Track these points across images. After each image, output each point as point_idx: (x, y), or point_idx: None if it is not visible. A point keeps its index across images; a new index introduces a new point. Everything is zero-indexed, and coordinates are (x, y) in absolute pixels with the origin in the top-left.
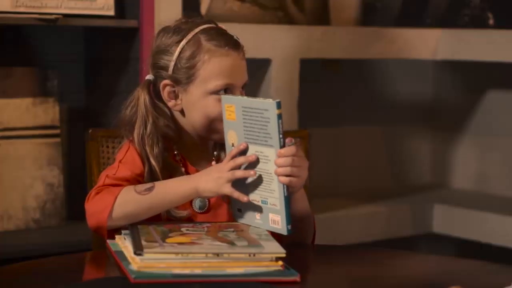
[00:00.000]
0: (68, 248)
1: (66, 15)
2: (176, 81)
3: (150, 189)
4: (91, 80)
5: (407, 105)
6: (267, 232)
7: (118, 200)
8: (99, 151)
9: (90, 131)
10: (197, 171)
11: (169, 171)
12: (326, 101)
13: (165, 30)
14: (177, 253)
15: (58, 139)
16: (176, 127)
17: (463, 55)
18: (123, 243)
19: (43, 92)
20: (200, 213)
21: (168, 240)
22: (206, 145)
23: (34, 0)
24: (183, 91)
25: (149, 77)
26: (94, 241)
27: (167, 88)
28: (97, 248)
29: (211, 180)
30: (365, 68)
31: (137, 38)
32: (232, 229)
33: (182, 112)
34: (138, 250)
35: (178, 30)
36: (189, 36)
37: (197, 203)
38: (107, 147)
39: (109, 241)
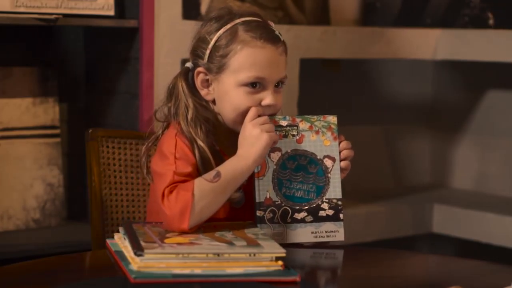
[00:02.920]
0: (68, 248)
1: (66, 15)
2: (209, 70)
3: (218, 175)
4: (91, 80)
5: (407, 105)
6: (263, 232)
7: (196, 194)
8: (99, 151)
9: (90, 131)
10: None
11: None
12: (326, 101)
13: (209, 18)
14: (177, 254)
15: (58, 139)
16: (212, 114)
17: (462, 55)
18: (123, 243)
19: (43, 92)
20: (237, 207)
21: (166, 241)
22: (235, 136)
23: (34, 0)
24: (215, 80)
25: (188, 64)
26: (94, 241)
27: (201, 76)
28: (97, 248)
29: (257, 140)
30: (365, 68)
31: (137, 38)
32: (228, 229)
33: (213, 101)
34: (139, 250)
35: (219, 19)
36: (228, 25)
37: (234, 195)
38: (107, 147)
39: (109, 241)
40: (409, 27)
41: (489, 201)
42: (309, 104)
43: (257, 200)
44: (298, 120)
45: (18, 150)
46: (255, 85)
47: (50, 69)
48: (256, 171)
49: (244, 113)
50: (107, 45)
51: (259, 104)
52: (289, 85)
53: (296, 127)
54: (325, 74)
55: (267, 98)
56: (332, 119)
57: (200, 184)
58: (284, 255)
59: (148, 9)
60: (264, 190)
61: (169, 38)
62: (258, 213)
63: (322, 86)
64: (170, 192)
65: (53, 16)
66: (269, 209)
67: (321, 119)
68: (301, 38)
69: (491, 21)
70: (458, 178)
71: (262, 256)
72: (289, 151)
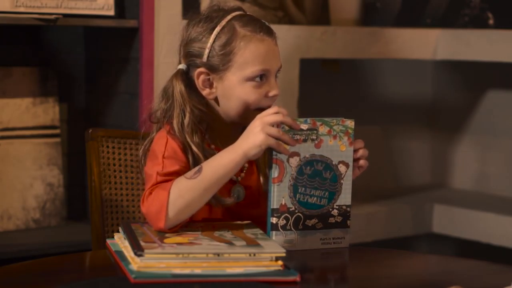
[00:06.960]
0: (68, 248)
1: (66, 15)
2: (211, 69)
3: (199, 171)
4: (91, 80)
5: (407, 105)
6: (262, 232)
7: (173, 193)
8: (99, 151)
9: (90, 131)
10: None
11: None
12: (326, 101)
13: (195, 19)
14: (177, 254)
15: (58, 139)
16: (210, 115)
17: (462, 55)
18: (123, 243)
19: (43, 92)
20: (238, 202)
21: (166, 241)
22: (236, 133)
23: (34, 0)
24: (219, 79)
25: (182, 66)
26: (94, 241)
27: (202, 76)
28: (97, 248)
29: (253, 135)
30: (364, 68)
31: (137, 38)
32: (226, 229)
33: (215, 100)
34: (139, 250)
35: (209, 18)
36: (223, 22)
37: (235, 193)
38: (107, 147)
39: (109, 241)
40: (409, 27)
41: (489, 201)
42: (309, 104)
43: (272, 207)
44: (318, 123)
45: (18, 150)
46: (261, 78)
47: (50, 69)
48: (273, 176)
49: (251, 107)
50: (107, 45)
51: (265, 95)
52: (289, 85)
53: (315, 131)
54: (325, 74)
55: (273, 89)
56: (350, 123)
57: (178, 183)
58: (284, 255)
59: (148, 9)
60: (280, 196)
61: (169, 38)
62: (273, 220)
63: (322, 86)
64: (150, 193)
65: (53, 16)
66: (283, 216)
67: (340, 123)
68: (301, 38)
69: (491, 21)
70: (458, 178)
71: (262, 256)
72: (307, 156)
